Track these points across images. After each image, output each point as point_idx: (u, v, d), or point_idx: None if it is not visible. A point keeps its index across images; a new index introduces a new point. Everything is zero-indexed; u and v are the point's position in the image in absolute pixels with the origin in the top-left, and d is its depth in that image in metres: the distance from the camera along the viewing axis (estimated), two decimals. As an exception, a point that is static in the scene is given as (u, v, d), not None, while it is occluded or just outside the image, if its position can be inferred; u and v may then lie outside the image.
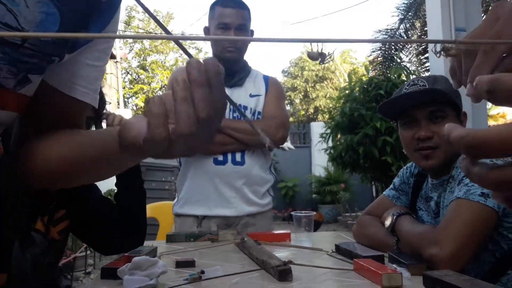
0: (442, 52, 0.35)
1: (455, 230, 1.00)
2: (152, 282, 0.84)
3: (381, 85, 5.08)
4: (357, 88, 5.47)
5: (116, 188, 1.28)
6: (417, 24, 8.36)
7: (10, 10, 0.54)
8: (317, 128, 8.65)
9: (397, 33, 8.08)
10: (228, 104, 1.81)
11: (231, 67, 1.76)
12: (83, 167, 0.63)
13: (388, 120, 1.48)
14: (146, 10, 0.46)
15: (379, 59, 8.08)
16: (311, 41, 0.36)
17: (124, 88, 16.40)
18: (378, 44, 8.24)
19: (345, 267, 1.05)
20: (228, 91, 1.75)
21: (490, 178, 0.30)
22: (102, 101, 1.26)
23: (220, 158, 1.68)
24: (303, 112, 17.73)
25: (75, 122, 0.70)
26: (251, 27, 1.83)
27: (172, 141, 0.45)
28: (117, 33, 0.85)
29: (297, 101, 17.97)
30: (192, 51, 18.10)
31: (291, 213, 1.52)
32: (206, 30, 1.81)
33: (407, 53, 8.55)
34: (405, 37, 7.83)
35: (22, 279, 0.76)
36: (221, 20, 1.71)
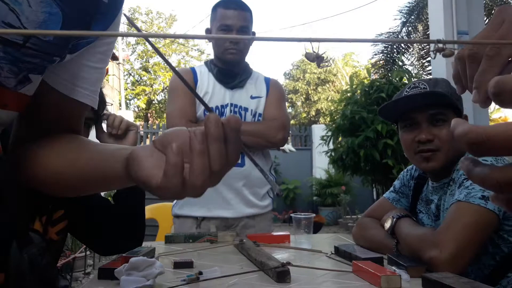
0: (436, 52, 0.34)
1: (455, 233, 0.99)
2: (149, 283, 0.84)
3: (382, 88, 5.07)
4: (359, 91, 5.46)
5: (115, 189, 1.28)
6: (420, 28, 8.37)
7: (13, 10, 0.54)
8: (319, 130, 8.64)
9: (400, 36, 8.08)
10: (230, 105, 1.81)
11: (232, 68, 1.76)
12: (81, 186, 0.64)
13: (389, 123, 1.47)
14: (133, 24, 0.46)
15: (381, 62, 8.08)
16: (311, 40, 0.36)
17: (126, 89, 16.43)
18: (380, 47, 8.25)
19: (344, 269, 1.04)
20: (229, 92, 1.75)
21: (492, 179, 0.29)
22: (102, 102, 1.26)
23: (220, 159, 1.68)
24: (304, 115, 17.74)
25: (74, 123, 0.71)
26: (253, 30, 1.83)
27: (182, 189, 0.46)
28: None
29: (299, 103, 17.98)
30: (194, 53, 18.15)
31: (291, 215, 1.51)
32: (208, 31, 1.81)
33: (409, 56, 8.56)
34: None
35: (19, 279, 0.76)
36: (223, 21, 1.71)
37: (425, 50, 7.96)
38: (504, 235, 1.08)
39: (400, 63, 6.79)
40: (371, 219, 1.36)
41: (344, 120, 5.27)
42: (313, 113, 17.30)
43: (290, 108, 18.20)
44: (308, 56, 0.34)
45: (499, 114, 11.06)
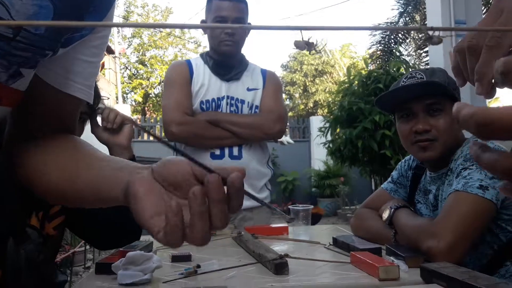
0: (427, 41, 0.34)
1: (453, 223, 0.99)
2: (147, 277, 0.84)
3: (380, 79, 5.06)
4: (356, 82, 5.45)
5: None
6: (417, 18, 8.34)
7: (2, 2, 0.53)
8: (317, 122, 8.63)
9: (397, 26, 8.05)
10: (226, 97, 1.79)
11: (228, 60, 1.75)
12: (78, 204, 0.63)
13: (387, 113, 1.46)
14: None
15: (378, 52, 8.06)
16: (307, 28, 0.35)
17: (122, 83, 16.37)
18: (378, 38, 8.22)
19: (342, 260, 1.04)
20: (225, 85, 1.74)
21: (501, 165, 0.29)
22: (97, 96, 1.25)
23: (217, 152, 1.67)
24: (302, 107, 17.72)
25: (68, 119, 0.70)
26: (249, 21, 1.82)
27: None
28: (114, 29, 0.84)
29: (297, 95, 17.95)
30: (191, 46, 18.06)
31: (289, 207, 1.51)
32: (203, 23, 1.79)
33: (407, 47, 8.54)
34: (405, 31, 7.81)
35: (16, 275, 0.75)
36: (218, 13, 1.70)
37: (422, 40, 7.94)
38: (502, 224, 1.08)
39: (398, 53, 6.77)
40: (369, 210, 1.36)
41: (341, 111, 5.26)
42: (311, 104, 17.27)
43: (288, 100, 18.16)
44: (298, 44, 0.33)
45: (496, 104, 11.07)
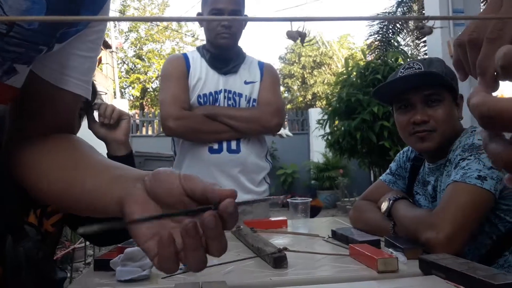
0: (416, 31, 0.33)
1: (452, 214, 0.99)
2: (145, 273, 0.84)
3: (378, 70, 5.04)
4: (354, 73, 5.43)
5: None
6: (415, 7, 8.29)
7: None
8: (315, 114, 8.62)
9: (394, 16, 8.00)
10: (223, 91, 1.78)
11: (225, 53, 1.74)
12: (74, 211, 0.62)
13: (385, 104, 1.46)
14: None
15: (376, 43, 8.03)
16: (304, 19, 0.34)
17: (120, 78, 16.31)
18: (376, 28, 8.18)
19: (341, 252, 1.04)
20: (222, 78, 1.73)
21: (503, 158, 0.28)
22: (93, 91, 1.24)
23: (215, 146, 1.66)
24: (301, 99, 17.68)
25: (66, 116, 0.69)
26: (245, 13, 1.80)
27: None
28: (110, 23, 0.83)
29: (295, 87, 17.90)
30: (188, 39, 17.98)
31: (287, 200, 1.51)
32: (199, 16, 1.78)
33: (405, 36, 8.50)
34: (403, 21, 7.76)
35: (16, 273, 0.75)
36: (214, 5, 1.68)
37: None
38: (501, 214, 1.08)
39: (396, 44, 6.74)
40: (367, 202, 1.36)
41: (340, 103, 5.25)
42: (309, 97, 17.23)
43: (286, 92, 18.12)
44: (290, 35, 0.32)
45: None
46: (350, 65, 5.73)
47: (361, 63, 5.65)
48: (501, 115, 0.28)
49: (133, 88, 17.09)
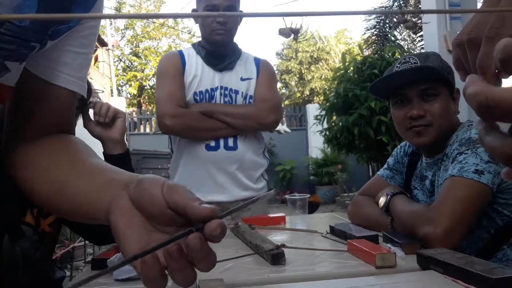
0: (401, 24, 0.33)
1: (449, 208, 0.99)
2: (143, 272, 0.83)
3: (375, 65, 5.04)
4: (351, 68, 5.43)
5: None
6: (411, 1, 8.28)
7: None
8: (313, 110, 8.62)
9: (391, 10, 7.98)
10: (220, 87, 1.77)
11: (221, 50, 1.73)
12: (58, 210, 0.61)
13: (381, 99, 1.46)
14: None
15: (373, 37, 8.02)
16: (300, 14, 0.34)
17: (117, 76, 16.26)
18: (373, 22, 8.17)
19: (339, 248, 1.04)
20: (218, 75, 1.72)
21: (501, 150, 0.28)
22: (88, 90, 1.23)
23: (212, 144, 1.66)
24: (298, 95, 17.66)
25: (62, 114, 0.67)
26: (240, 9, 1.79)
27: None
28: (106, 21, 0.82)
29: (293, 83, 17.87)
30: (185, 36, 17.92)
31: (285, 196, 1.51)
32: (194, 12, 1.76)
33: (402, 31, 8.49)
34: (400, 15, 7.73)
35: (13, 273, 0.75)
36: (209, 2, 1.67)
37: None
38: (499, 208, 1.08)
39: (393, 38, 6.73)
40: (365, 197, 1.36)
41: (337, 98, 5.25)
42: (307, 92, 17.21)
43: (284, 88, 18.09)
44: (282, 32, 0.32)
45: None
46: (347, 60, 5.73)
47: (358, 58, 5.64)
48: (500, 105, 0.27)
49: (130, 86, 17.04)
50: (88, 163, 0.58)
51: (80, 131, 1.07)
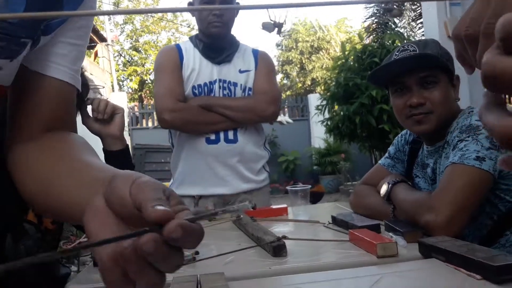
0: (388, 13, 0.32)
1: (451, 196, 0.98)
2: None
3: (375, 53, 5.01)
4: (352, 57, 5.40)
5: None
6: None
7: None
8: (315, 100, 8.60)
9: (390, 4, 7.91)
10: (218, 80, 1.76)
11: (218, 42, 1.72)
12: (45, 210, 0.60)
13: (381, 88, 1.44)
14: None
15: (373, 25, 7.96)
16: (298, 5, 0.33)
17: (117, 71, 16.23)
18: (373, 10, 8.11)
19: (341, 238, 1.04)
20: (216, 68, 1.71)
21: (499, 130, 0.27)
22: (85, 86, 1.23)
23: (212, 137, 1.65)
24: (300, 85, 17.60)
25: (60, 107, 0.66)
26: (237, 0, 1.78)
27: None
28: (105, 16, 0.82)
29: (294, 74, 17.80)
30: (184, 29, 17.85)
31: (287, 187, 1.51)
32: (191, 5, 1.75)
33: (401, 18, 8.42)
34: (400, 8, 7.67)
35: (17, 272, 0.75)
36: (205, -6, 1.66)
37: (419, 11, 7.81)
38: (501, 194, 1.08)
39: (393, 26, 6.68)
40: (367, 187, 1.36)
41: (338, 88, 5.24)
42: (308, 82, 17.14)
43: (285, 79, 18.02)
44: (266, 26, 0.31)
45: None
46: (347, 49, 5.69)
47: (358, 46, 5.60)
48: (503, 75, 0.26)
49: (131, 80, 17.03)
50: (77, 161, 0.56)
51: (80, 128, 1.07)
